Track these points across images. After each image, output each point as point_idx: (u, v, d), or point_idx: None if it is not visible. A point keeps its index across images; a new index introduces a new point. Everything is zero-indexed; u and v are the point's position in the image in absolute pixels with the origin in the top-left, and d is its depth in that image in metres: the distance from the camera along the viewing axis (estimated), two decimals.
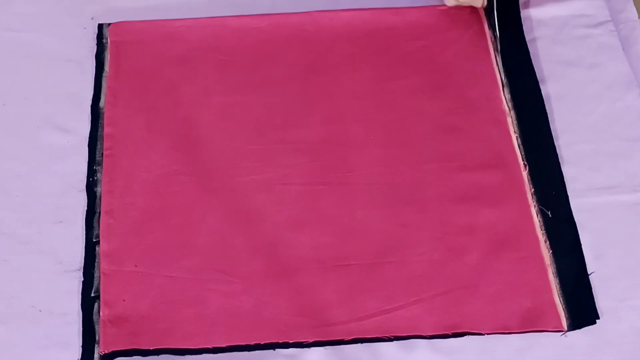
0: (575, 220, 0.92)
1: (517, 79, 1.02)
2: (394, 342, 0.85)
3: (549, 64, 1.04)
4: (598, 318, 0.86)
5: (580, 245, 0.90)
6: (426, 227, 0.92)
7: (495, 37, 1.03)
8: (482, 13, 1.07)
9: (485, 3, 0.99)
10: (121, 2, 1.11)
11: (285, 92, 1.02)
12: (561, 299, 0.87)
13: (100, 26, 1.08)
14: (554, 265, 0.89)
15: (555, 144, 0.97)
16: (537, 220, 0.92)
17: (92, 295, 0.88)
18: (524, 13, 1.08)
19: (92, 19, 1.09)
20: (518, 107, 1.00)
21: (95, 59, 1.05)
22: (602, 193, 0.94)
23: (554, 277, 0.88)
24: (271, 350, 0.85)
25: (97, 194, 0.95)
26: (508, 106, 1.00)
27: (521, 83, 1.01)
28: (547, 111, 1.00)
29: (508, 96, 1.00)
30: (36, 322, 0.87)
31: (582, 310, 0.86)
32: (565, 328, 0.85)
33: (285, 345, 0.85)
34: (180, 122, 1.00)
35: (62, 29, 1.08)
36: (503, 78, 1.01)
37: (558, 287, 0.88)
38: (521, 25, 1.06)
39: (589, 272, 0.88)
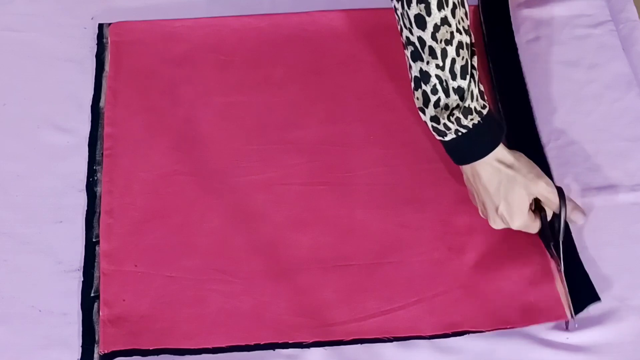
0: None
1: (504, 80, 1.01)
2: (394, 342, 0.85)
3: (549, 64, 1.04)
4: (599, 299, 0.85)
5: (570, 234, 0.89)
6: (426, 227, 0.92)
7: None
8: (479, 17, 1.07)
9: (538, 229, 0.89)
10: (121, 2, 1.11)
11: (285, 92, 1.02)
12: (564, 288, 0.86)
13: (100, 26, 1.08)
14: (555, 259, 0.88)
15: (555, 143, 0.97)
16: None
17: (92, 295, 0.88)
18: (524, 13, 1.08)
19: (92, 19, 1.09)
20: (505, 107, 0.99)
21: (95, 59, 1.06)
22: (601, 193, 0.94)
23: (556, 270, 0.88)
24: (271, 350, 0.85)
25: (97, 194, 0.95)
26: (498, 107, 1.00)
27: (508, 85, 1.01)
28: (547, 111, 1.00)
29: (497, 96, 1.00)
30: (36, 322, 0.87)
31: (581, 294, 0.85)
32: (569, 316, 0.85)
33: (285, 346, 0.85)
34: (180, 122, 1.00)
35: (62, 29, 1.08)
36: (492, 78, 1.01)
37: (561, 279, 0.87)
38: (511, 29, 1.06)
39: (587, 273, 0.88)
